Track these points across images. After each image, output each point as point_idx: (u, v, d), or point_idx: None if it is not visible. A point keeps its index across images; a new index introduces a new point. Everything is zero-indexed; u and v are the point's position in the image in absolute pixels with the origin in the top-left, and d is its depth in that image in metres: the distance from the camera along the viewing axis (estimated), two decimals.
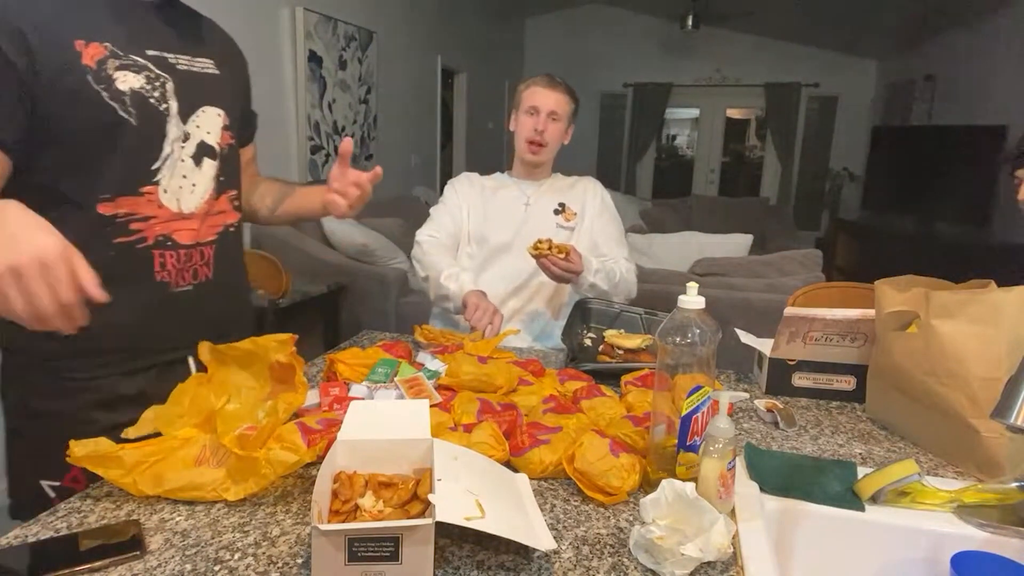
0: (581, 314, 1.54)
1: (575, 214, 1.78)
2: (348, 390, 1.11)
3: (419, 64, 5.32)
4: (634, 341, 1.37)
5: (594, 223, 1.79)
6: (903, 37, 6.18)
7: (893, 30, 6.08)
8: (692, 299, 0.85)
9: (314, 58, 3.78)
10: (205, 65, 1.05)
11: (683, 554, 0.70)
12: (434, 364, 1.23)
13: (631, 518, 0.83)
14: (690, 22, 6.62)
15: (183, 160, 1.00)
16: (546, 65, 7.60)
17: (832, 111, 7.35)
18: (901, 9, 5.45)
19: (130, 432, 0.89)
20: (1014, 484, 0.88)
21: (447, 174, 6.28)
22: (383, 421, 0.85)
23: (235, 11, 3.14)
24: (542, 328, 1.73)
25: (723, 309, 2.76)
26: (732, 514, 0.83)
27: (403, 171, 5.17)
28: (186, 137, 1.00)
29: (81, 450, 0.80)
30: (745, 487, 0.90)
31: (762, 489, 0.91)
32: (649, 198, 7.32)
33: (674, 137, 8.44)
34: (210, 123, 1.05)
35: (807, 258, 3.11)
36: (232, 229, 1.11)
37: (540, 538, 0.73)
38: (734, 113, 7.95)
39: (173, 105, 0.98)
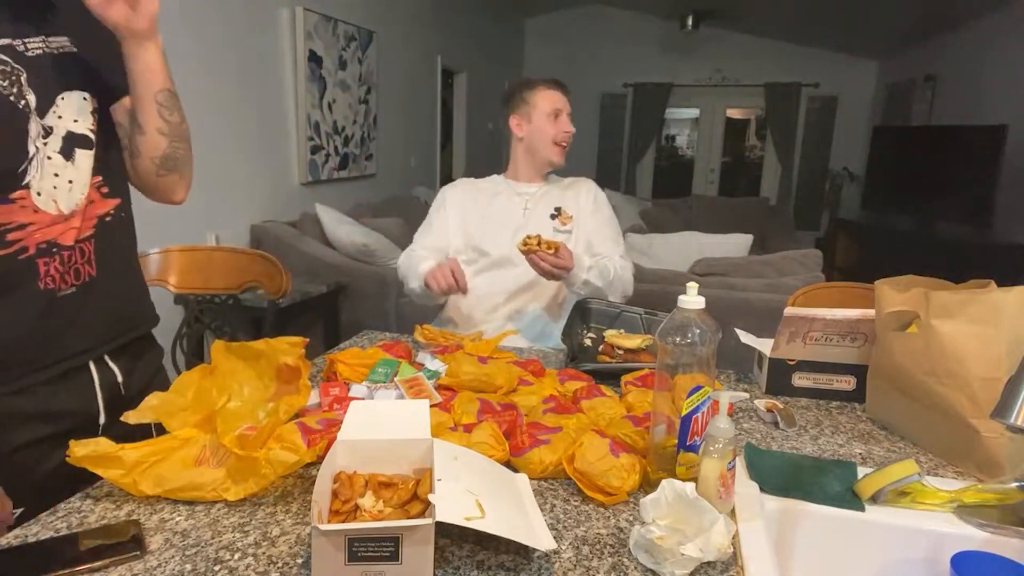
0: (581, 314, 1.54)
1: (571, 217, 1.77)
2: (348, 390, 1.11)
3: (419, 64, 5.32)
4: (634, 341, 1.37)
5: (588, 222, 1.78)
6: (903, 37, 6.19)
7: (893, 30, 6.09)
8: (692, 299, 0.85)
9: (314, 58, 3.78)
10: (60, 44, 0.94)
11: (683, 554, 0.70)
12: (434, 364, 1.23)
13: (631, 518, 0.83)
14: (690, 22, 6.63)
15: (50, 157, 0.91)
16: (546, 65, 7.61)
17: (832, 111, 7.35)
18: (901, 9, 5.45)
19: (130, 417, 0.89)
20: (1014, 484, 0.88)
21: (447, 174, 6.29)
22: (383, 421, 0.85)
23: (235, 11, 3.14)
24: (541, 330, 1.72)
25: (723, 309, 2.76)
26: (732, 514, 0.83)
27: (403, 171, 5.18)
28: (48, 132, 0.91)
29: (81, 450, 0.80)
30: (745, 487, 0.90)
31: (762, 489, 0.91)
32: (649, 198, 7.32)
33: (674, 137, 8.44)
34: (75, 110, 0.94)
35: (807, 258, 3.11)
36: (109, 219, 1.01)
37: (540, 538, 0.73)
38: (734, 113, 7.95)
39: (31, 99, 0.89)
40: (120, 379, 1.04)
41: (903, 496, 0.89)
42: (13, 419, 0.91)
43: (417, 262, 1.68)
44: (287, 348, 0.98)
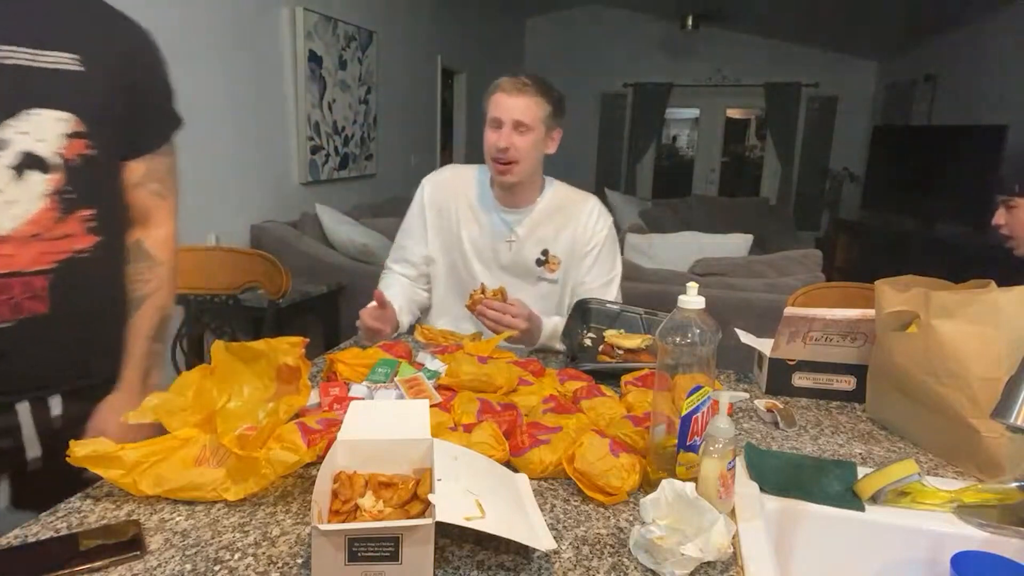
0: (581, 314, 1.53)
1: (559, 263, 1.56)
2: (348, 390, 1.11)
3: (419, 64, 5.32)
4: (634, 341, 1.37)
5: (580, 265, 1.58)
6: (903, 37, 6.18)
7: (893, 30, 6.08)
8: (692, 299, 0.85)
9: (314, 58, 3.78)
10: (58, 60, 0.86)
11: (683, 554, 0.70)
12: (434, 364, 1.23)
13: (631, 518, 0.83)
14: (690, 22, 6.62)
15: None
16: (546, 65, 7.61)
17: (832, 111, 7.34)
18: (901, 9, 5.45)
19: (131, 417, 0.89)
20: (1014, 484, 0.88)
21: None
22: (383, 421, 0.85)
23: (235, 11, 3.14)
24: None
25: (723, 309, 2.75)
26: (732, 514, 0.83)
27: (403, 171, 5.17)
28: (2, 145, 0.84)
29: (81, 450, 0.80)
30: (745, 487, 0.90)
31: (762, 489, 0.91)
32: (649, 198, 7.31)
33: (674, 137, 8.43)
34: (43, 129, 0.86)
35: (807, 258, 3.11)
36: (85, 255, 0.93)
37: (540, 538, 0.73)
38: (734, 113, 7.94)
39: None
40: (59, 412, 0.97)
41: (903, 496, 0.89)
42: None
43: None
44: (287, 348, 0.98)
